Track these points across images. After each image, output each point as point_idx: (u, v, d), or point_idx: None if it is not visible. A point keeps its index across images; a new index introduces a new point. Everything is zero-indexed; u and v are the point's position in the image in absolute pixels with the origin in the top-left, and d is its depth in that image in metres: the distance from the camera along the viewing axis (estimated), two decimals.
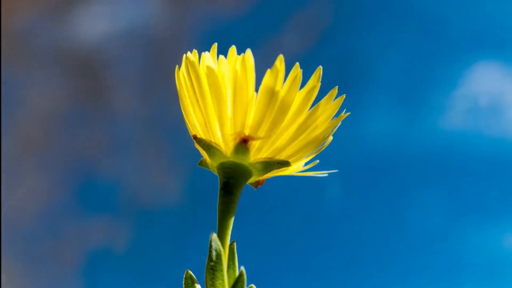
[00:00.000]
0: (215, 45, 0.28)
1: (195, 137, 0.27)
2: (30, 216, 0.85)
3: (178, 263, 0.76)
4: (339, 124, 0.28)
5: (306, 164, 0.30)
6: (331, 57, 0.79)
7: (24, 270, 0.83)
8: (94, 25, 0.89)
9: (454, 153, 0.73)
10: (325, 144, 0.29)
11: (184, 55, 0.28)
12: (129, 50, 0.87)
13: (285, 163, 0.27)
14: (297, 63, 0.26)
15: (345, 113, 0.28)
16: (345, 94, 0.28)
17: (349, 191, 0.69)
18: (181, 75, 0.28)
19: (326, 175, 0.30)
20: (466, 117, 0.74)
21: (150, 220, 0.82)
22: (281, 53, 0.26)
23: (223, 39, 0.86)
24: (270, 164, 0.27)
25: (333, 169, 0.30)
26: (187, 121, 0.28)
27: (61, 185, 0.86)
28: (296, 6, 0.82)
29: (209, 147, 0.27)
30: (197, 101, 0.27)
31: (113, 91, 0.87)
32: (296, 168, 0.29)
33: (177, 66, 0.29)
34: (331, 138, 0.29)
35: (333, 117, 0.28)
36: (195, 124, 0.28)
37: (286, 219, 0.72)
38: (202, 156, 0.29)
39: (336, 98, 0.27)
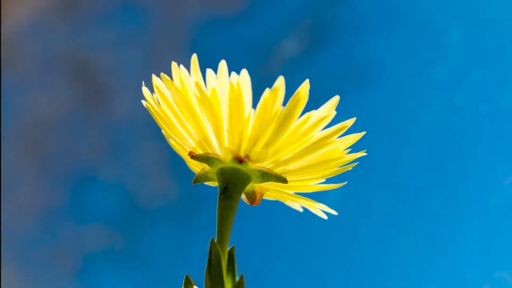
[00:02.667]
0: (195, 56, 0.27)
1: (192, 156, 0.27)
2: (29, 220, 0.85)
3: (177, 268, 0.76)
4: (354, 163, 0.28)
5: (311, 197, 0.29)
6: (331, 62, 0.79)
7: (24, 274, 0.83)
8: (93, 30, 0.89)
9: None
10: (336, 183, 0.29)
11: (153, 75, 0.27)
12: (128, 55, 0.87)
13: (281, 179, 0.27)
14: (307, 81, 0.26)
15: (360, 152, 0.27)
16: (365, 131, 0.27)
17: (348, 197, 0.69)
18: (158, 93, 0.27)
19: (326, 217, 0.30)
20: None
21: (149, 225, 0.82)
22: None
23: (222, 43, 0.85)
24: (267, 174, 0.27)
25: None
26: (174, 138, 0.28)
27: (60, 189, 0.86)
28: (297, 10, 0.82)
29: (208, 158, 0.27)
30: (185, 118, 0.27)
31: (112, 96, 0.87)
32: (294, 191, 0.29)
33: (143, 86, 0.28)
34: (345, 182, 0.29)
35: (348, 151, 0.27)
36: (188, 141, 0.28)
37: (286, 224, 0.71)
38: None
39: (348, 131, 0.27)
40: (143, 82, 0.28)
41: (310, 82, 0.25)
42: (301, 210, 0.31)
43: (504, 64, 0.73)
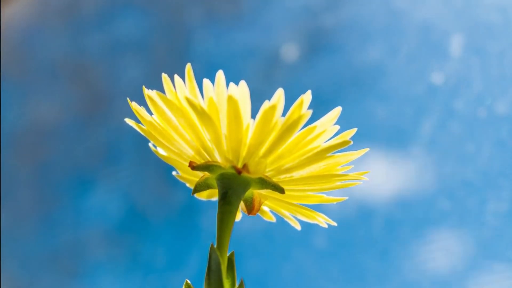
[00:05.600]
0: (189, 66, 0.27)
1: (193, 167, 0.27)
2: (29, 226, 0.85)
3: (177, 273, 0.76)
4: (357, 182, 0.27)
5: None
6: (329, 68, 0.79)
7: (23, 280, 0.82)
8: (93, 35, 0.89)
9: None
10: (337, 198, 0.29)
11: (144, 87, 0.27)
12: (128, 61, 0.87)
13: (278, 189, 0.27)
14: (309, 92, 0.25)
15: (363, 175, 0.27)
16: (369, 148, 0.27)
17: (347, 203, 0.69)
18: (152, 105, 0.27)
19: (326, 226, 0.30)
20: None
21: (148, 230, 0.82)
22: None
23: (222, 48, 0.85)
24: (265, 182, 0.27)
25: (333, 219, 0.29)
26: (171, 148, 0.28)
27: (59, 194, 0.86)
28: (297, 15, 0.83)
29: (208, 166, 0.27)
30: (183, 128, 0.27)
31: (112, 101, 0.87)
32: (293, 201, 0.29)
33: (129, 101, 0.28)
34: (345, 198, 0.28)
35: (348, 169, 0.27)
36: (186, 149, 0.27)
37: (286, 228, 0.71)
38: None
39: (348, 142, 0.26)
40: (128, 99, 0.28)
41: (310, 87, 0.25)
42: (299, 228, 0.31)
43: (504, 71, 0.73)
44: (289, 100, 0.25)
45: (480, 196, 0.70)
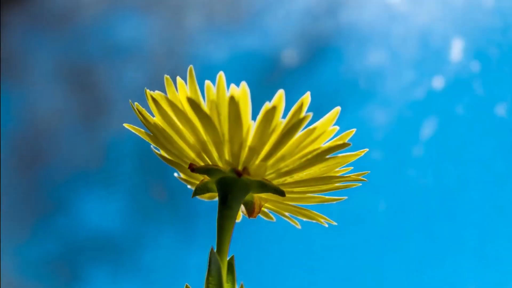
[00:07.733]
0: (192, 68, 0.27)
1: (192, 169, 0.27)
2: (29, 229, 0.85)
3: (177, 277, 0.76)
4: (356, 183, 0.27)
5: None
6: (330, 72, 0.79)
7: (24, 283, 0.82)
8: (93, 40, 0.89)
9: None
10: (337, 197, 0.28)
11: (146, 89, 0.27)
12: (128, 64, 0.87)
13: (279, 192, 0.27)
14: (308, 94, 0.25)
15: (362, 176, 0.27)
16: (368, 149, 0.27)
17: (348, 206, 0.69)
18: (154, 107, 0.27)
19: (326, 225, 0.30)
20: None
21: (149, 235, 0.82)
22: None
23: (223, 54, 0.85)
24: (266, 186, 0.27)
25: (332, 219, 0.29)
26: (173, 151, 0.28)
27: (59, 198, 0.86)
28: (297, 21, 0.83)
29: (208, 170, 0.27)
30: (184, 131, 0.27)
31: (112, 106, 0.87)
32: (293, 202, 0.29)
33: (131, 102, 0.28)
34: (344, 197, 0.28)
35: (349, 171, 0.27)
36: (187, 152, 0.27)
37: (286, 232, 0.71)
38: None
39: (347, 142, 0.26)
40: (130, 101, 0.28)
41: (310, 92, 0.25)
42: (299, 227, 0.31)
43: (504, 75, 0.73)
44: (289, 104, 0.25)
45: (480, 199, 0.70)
